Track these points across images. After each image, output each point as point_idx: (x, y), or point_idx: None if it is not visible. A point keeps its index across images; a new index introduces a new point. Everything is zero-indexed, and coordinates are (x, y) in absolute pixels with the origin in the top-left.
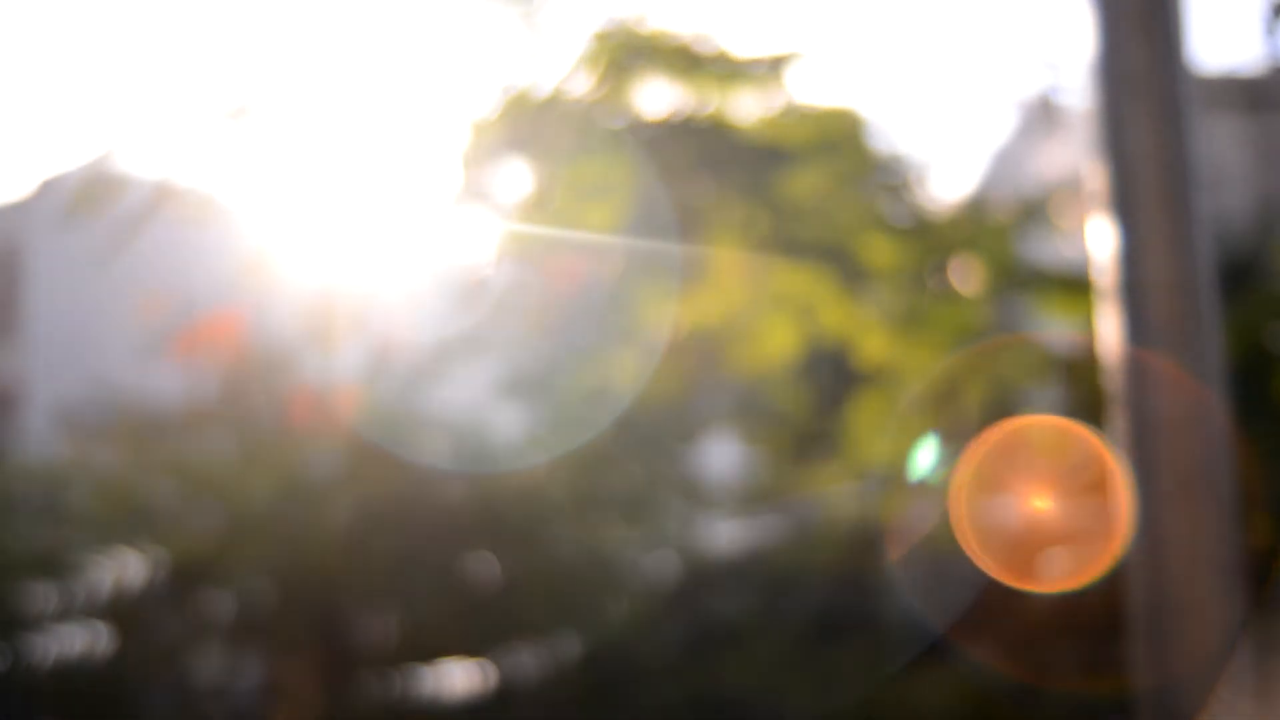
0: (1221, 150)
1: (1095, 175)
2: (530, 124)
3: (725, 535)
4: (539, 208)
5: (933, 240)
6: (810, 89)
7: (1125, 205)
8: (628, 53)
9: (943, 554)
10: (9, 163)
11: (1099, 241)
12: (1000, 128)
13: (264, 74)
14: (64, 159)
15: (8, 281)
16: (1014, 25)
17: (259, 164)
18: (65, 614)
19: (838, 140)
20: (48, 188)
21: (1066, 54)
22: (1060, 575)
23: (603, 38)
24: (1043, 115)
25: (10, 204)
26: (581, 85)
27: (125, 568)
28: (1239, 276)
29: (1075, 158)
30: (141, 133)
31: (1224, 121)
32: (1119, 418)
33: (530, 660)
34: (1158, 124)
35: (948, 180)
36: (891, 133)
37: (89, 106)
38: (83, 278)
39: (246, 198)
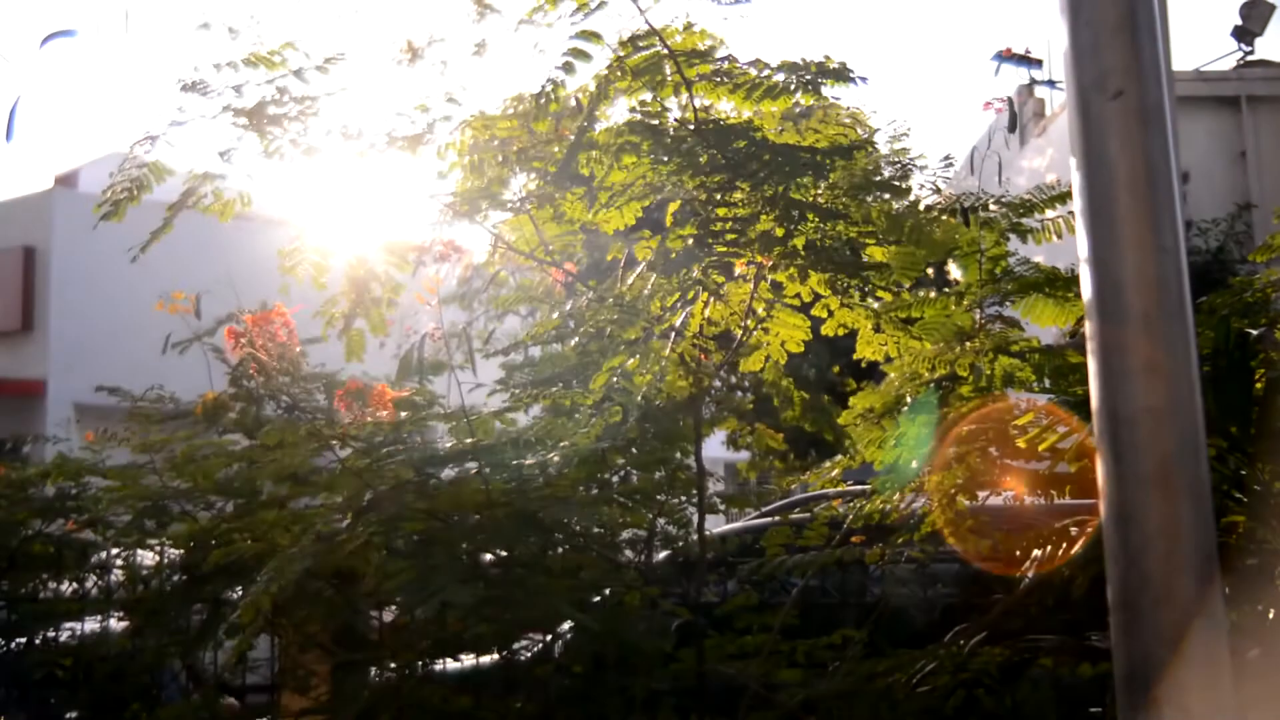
0: (1197, 149)
1: (1073, 175)
2: (554, 124)
3: (723, 527)
4: (560, 207)
5: (930, 241)
6: (828, 96)
7: (1101, 204)
8: (656, 59)
9: (931, 542)
10: (30, 157)
11: (1078, 239)
12: (989, 129)
13: (286, 66)
14: (84, 153)
15: (29, 277)
16: (1001, 26)
17: (280, 161)
18: (80, 604)
19: (851, 146)
20: (68, 182)
21: (1049, 56)
22: (1044, 561)
23: (632, 43)
24: (1026, 116)
25: (31, 199)
26: (609, 88)
27: (140, 559)
28: (1215, 272)
29: (1059, 158)
30: (165, 127)
31: (1199, 120)
32: (1098, 409)
33: (533, 647)
34: (1132, 125)
35: (940, 180)
36: (894, 135)
37: (109, 100)
38: (103, 273)
39: (268, 195)
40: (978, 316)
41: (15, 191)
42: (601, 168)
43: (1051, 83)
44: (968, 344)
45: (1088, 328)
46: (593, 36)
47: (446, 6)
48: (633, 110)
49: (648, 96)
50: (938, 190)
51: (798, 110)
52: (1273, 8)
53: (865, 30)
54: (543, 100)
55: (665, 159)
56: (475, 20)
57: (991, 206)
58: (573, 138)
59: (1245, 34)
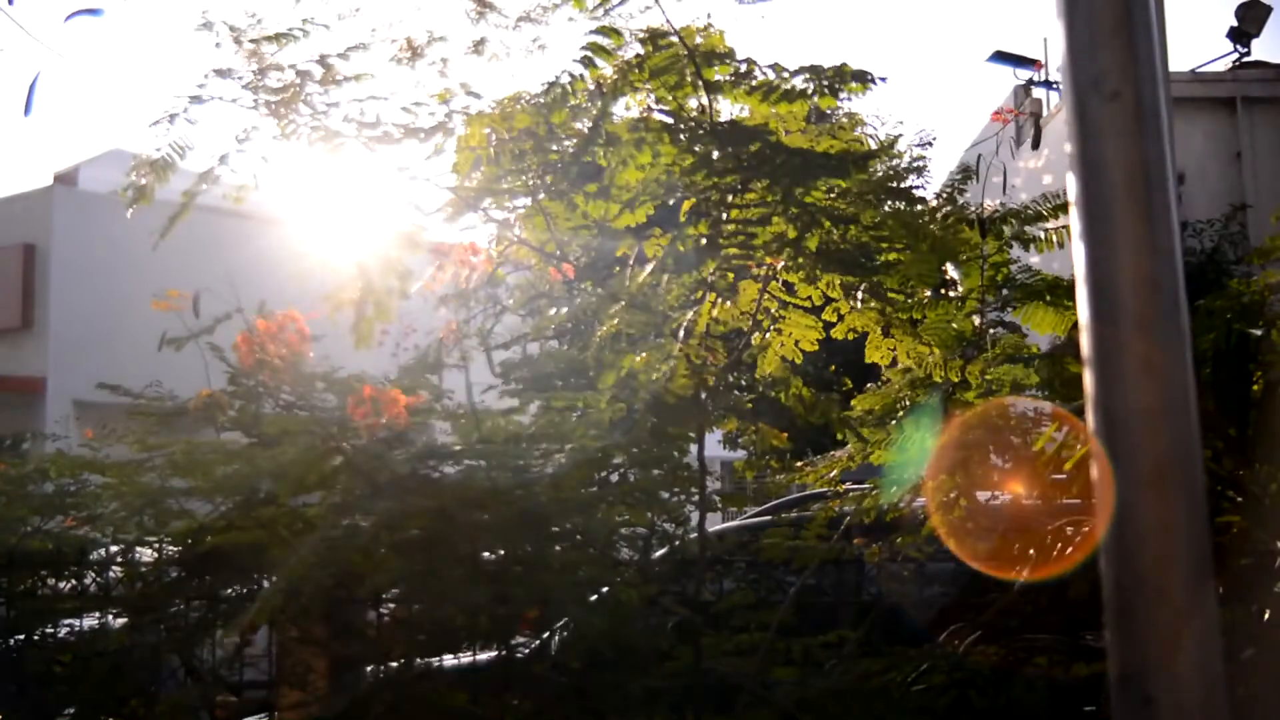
0: (1193, 150)
1: (1070, 178)
2: (570, 117)
3: (721, 525)
4: (574, 199)
5: (945, 249)
6: (839, 101)
7: (1096, 205)
8: (675, 59)
9: (927, 543)
10: (30, 154)
11: (1075, 242)
12: (997, 137)
13: (305, 43)
14: (84, 151)
15: (29, 274)
16: (997, 27)
17: (296, 144)
18: (79, 601)
19: (866, 154)
20: (68, 180)
21: (1046, 57)
22: (1041, 563)
23: (652, 42)
24: (1023, 118)
25: (31, 196)
26: (624, 85)
27: (138, 556)
28: (1210, 272)
29: (1055, 159)
30: (185, 104)
31: (1195, 121)
32: (1093, 410)
33: (530, 644)
34: (1128, 126)
35: (957, 192)
36: (904, 139)
37: (112, 96)
38: (103, 270)
39: (272, 192)
40: (977, 322)
41: (15, 189)
42: (617, 158)
43: (1048, 84)
44: (980, 355)
45: (1084, 329)
46: (612, 33)
47: (446, 4)
48: (647, 110)
49: (662, 96)
50: (951, 199)
51: (812, 115)
52: (1269, 9)
53: (862, 29)
54: (560, 94)
55: (682, 158)
56: (474, 19)
57: (1007, 218)
58: (587, 131)
59: (1241, 35)
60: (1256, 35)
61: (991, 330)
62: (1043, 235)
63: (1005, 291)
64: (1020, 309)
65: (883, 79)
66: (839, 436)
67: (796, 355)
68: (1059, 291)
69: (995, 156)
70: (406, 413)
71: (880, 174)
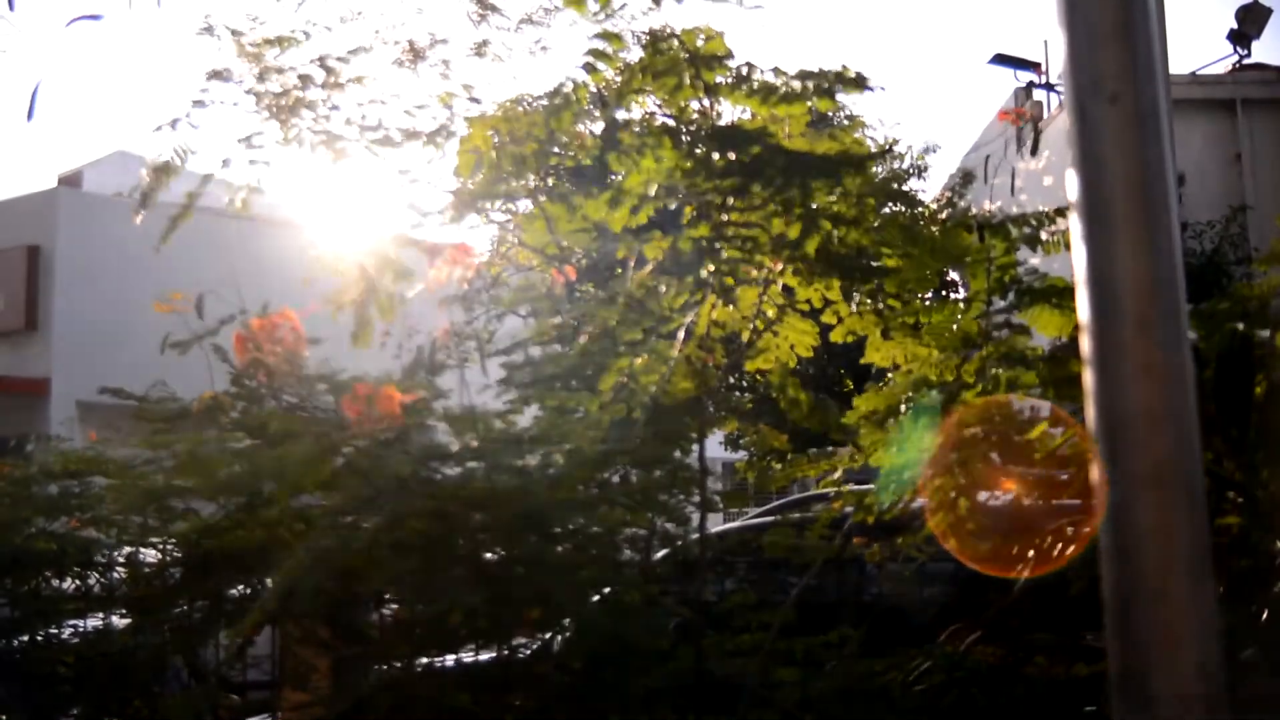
0: (1192, 151)
1: (1071, 179)
2: (569, 122)
3: (722, 525)
4: (574, 200)
5: (944, 254)
6: (842, 104)
7: (1098, 208)
8: (676, 62)
9: (926, 543)
10: (35, 157)
11: (1076, 243)
12: (1004, 138)
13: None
14: (88, 153)
15: (33, 276)
16: (998, 29)
17: (299, 149)
18: (83, 601)
19: (864, 156)
20: (72, 182)
21: (1047, 59)
22: (1040, 562)
23: (654, 46)
24: (1024, 120)
25: (35, 198)
26: (628, 89)
27: (142, 557)
28: (1210, 274)
29: (1056, 161)
30: (188, 109)
31: (1195, 123)
32: (1093, 410)
33: (530, 645)
34: (1128, 128)
35: (957, 196)
36: (908, 144)
37: (116, 98)
38: (106, 272)
39: (275, 195)
40: (983, 324)
41: (19, 190)
42: (622, 166)
43: (1049, 86)
44: (977, 354)
45: (1084, 330)
46: (613, 38)
47: (447, 6)
48: (649, 113)
49: (664, 99)
50: (951, 203)
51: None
52: (1268, 11)
53: (863, 31)
54: (563, 101)
55: (683, 161)
56: (476, 22)
57: (1012, 222)
58: (588, 135)
59: (1241, 38)
60: (1256, 37)
61: (997, 332)
62: (1048, 238)
63: (1011, 295)
64: (1025, 311)
65: (881, 88)
66: (834, 439)
67: (791, 359)
68: (1065, 294)
69: (1004, 158)
70: (402, 410)
71: (882, 176)
